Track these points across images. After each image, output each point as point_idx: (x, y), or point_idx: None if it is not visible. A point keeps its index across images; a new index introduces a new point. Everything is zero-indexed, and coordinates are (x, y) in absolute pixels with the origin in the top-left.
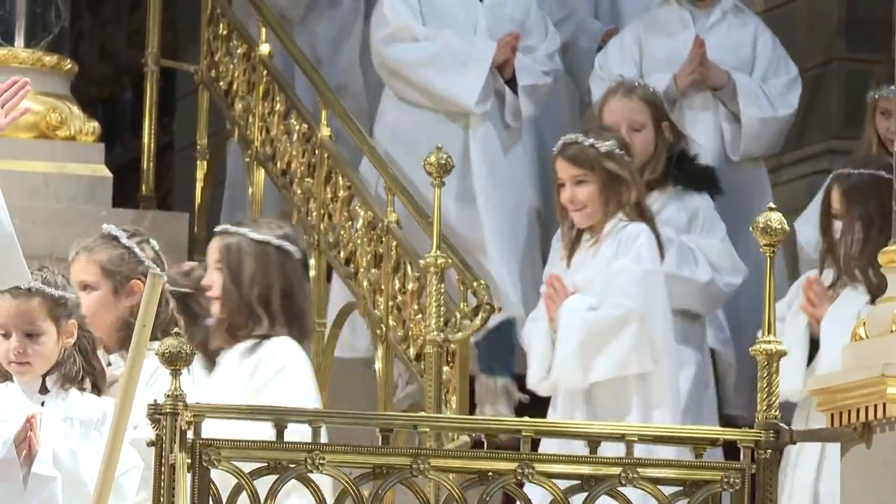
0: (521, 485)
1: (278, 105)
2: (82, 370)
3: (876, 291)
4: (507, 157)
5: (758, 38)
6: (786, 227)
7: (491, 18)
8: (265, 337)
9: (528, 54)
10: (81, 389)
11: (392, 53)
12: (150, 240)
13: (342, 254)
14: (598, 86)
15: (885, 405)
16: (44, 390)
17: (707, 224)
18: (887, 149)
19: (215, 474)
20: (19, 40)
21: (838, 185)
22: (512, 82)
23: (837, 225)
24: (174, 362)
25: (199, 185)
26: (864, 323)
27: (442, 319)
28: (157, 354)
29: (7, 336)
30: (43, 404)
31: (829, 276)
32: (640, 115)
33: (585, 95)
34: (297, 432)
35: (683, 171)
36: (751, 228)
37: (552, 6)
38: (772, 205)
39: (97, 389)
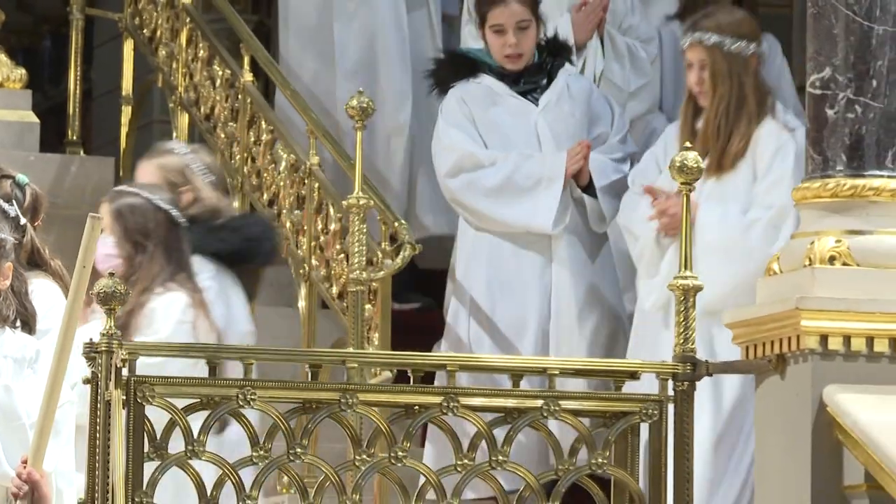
0: None
1: (201, 52)
2: (16, 311)
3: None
4: (593, 267)
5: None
6: (701, 165)
7: (550, 118)
8: None
9: (599, 144)
10: (14, 329)
11: (459, 188)
12: (18, 176)
13: (265, 196)
14: (626, 205)
15: (798, 337)
16: None
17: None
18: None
19: (150, 411)
20: None
21: (108, 203)
22: (590, 187)
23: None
24: (108, 302)
25: (123, 131)
26: (778, 258)
27: (364, 259)
28: (92, 294)
29: None
30: None
31: None
32: (151, 177)
33: None
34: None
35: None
36: (668, 167)
37: (629, 76)
38: (688, 143)
39: (28, 328)
